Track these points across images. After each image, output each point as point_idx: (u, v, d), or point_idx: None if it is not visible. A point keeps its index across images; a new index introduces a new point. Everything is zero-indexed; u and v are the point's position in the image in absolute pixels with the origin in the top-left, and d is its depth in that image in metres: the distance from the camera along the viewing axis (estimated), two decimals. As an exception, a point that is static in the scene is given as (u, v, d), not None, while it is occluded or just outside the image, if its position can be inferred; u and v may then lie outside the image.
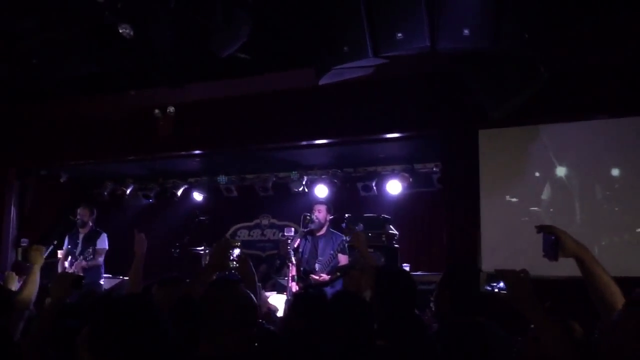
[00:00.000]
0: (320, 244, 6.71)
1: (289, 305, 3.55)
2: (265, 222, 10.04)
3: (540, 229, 2.37)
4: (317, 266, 6.60)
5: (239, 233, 10.07)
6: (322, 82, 5.09)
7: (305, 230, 6.82)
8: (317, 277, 6.44)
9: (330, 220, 6.85)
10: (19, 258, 8.27)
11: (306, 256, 6.72)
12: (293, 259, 6.43)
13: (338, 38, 4.65)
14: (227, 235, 9.91)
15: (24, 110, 8.16)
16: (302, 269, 6.68)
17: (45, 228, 9.26)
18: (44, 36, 5.91)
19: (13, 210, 8.75)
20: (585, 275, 2.30)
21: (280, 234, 9.40)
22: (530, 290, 2.22)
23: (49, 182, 9.52)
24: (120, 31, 5.62)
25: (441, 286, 3.06)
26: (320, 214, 6.77)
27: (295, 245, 6.72)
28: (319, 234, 6.77)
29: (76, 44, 5.83)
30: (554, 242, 2.29)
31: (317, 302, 3.22)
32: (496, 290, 2.28)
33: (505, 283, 2.26)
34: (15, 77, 6.55)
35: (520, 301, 2.21)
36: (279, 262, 7.94)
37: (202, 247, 8.00)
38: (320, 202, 7.04)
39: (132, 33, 5.66)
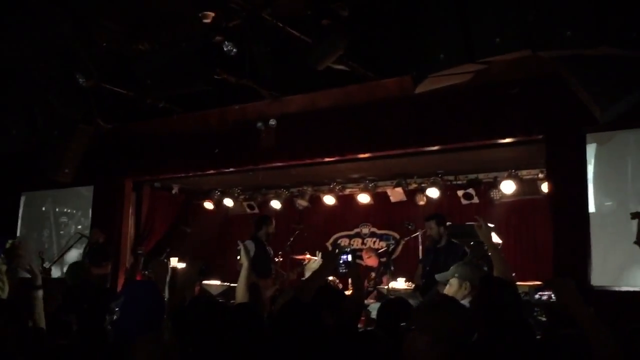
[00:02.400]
0: (442, 257, 6.62)
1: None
2: (365, 230, 10.07)
3: (635, 215, 2.35)
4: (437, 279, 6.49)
5: (339, 242, 10.18)
6: (418, 90, 5.08)
7: (405, 239, 6.78)
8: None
9: (446, 229, 6.74)
10: (140, 267, 8.80)
11: (428, 269, 6.68)
12: (392, 268, 6.41)
13: (434, 45, 4.63)
14: (328, 244, 10.04)
15: (138, 127, 8.73)
16: (423, 280, 6.64)
17: (159, 236, 9.84)
18: (155, 58, 6.33)
19: (130, 220, 9.37)
20: None
21: (376, 242, 9.41)
22: (577, 295, 2.29)
23: (162, 193, 10.12)
24: (225, 49, 5.92)
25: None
26: (432, 229, 6.72)
27: (396, 254, 6.69)
28: (439, 246, 6.69)
29: (184, 64, 6.18)
30: None
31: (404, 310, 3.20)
32: (544, 298, 2.31)
33: (553, 291, 2.32)
34: (131, 96, 7.05)
35: (569, 306, 2.26)
36: (373, 273, 7.93)
37: (304, 255, 8.17)
38: (427, 218, 6.94)
39: (235, 51, 5.95)
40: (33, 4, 5.68)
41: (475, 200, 8.53)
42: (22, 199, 10.39)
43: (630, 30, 4.16)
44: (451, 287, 4.11)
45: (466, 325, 2.44)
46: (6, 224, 10.12)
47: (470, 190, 8.52)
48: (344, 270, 3.45)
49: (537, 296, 5.72)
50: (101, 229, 8.68)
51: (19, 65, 7.10)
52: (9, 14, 5.89)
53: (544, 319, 5.17)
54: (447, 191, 8.80)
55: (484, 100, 6.69)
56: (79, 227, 9.69)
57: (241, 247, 4.20)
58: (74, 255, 9.13)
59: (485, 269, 6.76)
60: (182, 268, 3.15)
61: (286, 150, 8.03)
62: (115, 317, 2.36)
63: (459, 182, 8.77)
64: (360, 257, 8.63)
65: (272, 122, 7.89)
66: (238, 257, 4.22)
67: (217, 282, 8.84)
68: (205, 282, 8.90)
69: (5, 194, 10.21)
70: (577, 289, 2.33)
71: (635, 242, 2.23)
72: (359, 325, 3.65)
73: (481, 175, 8.62)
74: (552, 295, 2.26)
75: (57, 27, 5.99)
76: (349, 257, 3.48)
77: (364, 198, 9.38)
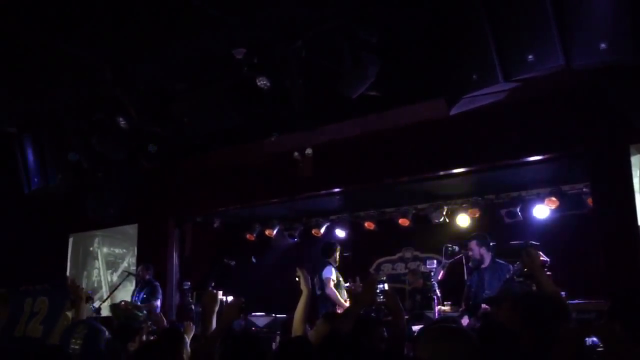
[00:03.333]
0: (486, 277, 6.52)
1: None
2: (408, 254, 9.97)
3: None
4: (483, 300, 6.40)
5: (382, 267, 10.09)
6: (453, 111, 5.08)
7: (449, 261, 6.69)
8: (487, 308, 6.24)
9: (491, 249, 6.64)
10: (186, 301, 8.87)
11: (473, 289, 6.58)
12: (437, 291, 6.32)
13: (466, 66, 4.63)
14: (371, 269, 9.97)
15: (178, 164, 8.93)
16: (470, 302, 6.55)
17: (203, 271, 9.95)
18: (193, 96, 6.50)
19: (175, 255, 9.52)
20: None
21: (420, 266, 9.31)
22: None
23: (204, 227, 10.26)
24: (258, 84, 6.04)
25: (610, 317, 2.85)
26: (473, 250, 6.63)
27: (440, 277, 6.60)
28: (483, 266, 6.59)
29: (220, 100, 6.32)
30: None
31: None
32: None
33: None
34: (170, 135, 7.23)
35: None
36: (418, 296, 7.83)
37: (348, 284, 8.12)
38: (470, 238, 6.86)
39: (268, 84, 6.06)
40: (74, 54, 5.91)
41: (519, 218, 8.37)
42: (70, 240, 10.67)
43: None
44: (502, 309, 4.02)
45: (470, 355, 2.33)
46: (56, 265, 10.39)
47: (513, 209, 8.37)
48: (382, 299, 3.41)
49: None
50: (147, 266, 8.87)
51: (62, 112, 7.39)
52: (52, 64, 6.15)
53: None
54: (489, 210, 8.67)
55: (521, 116, 6.62)
56: (126, 265, 9.89)
57: (300, 273, 4.12)
58: (123, 293, 9.32)
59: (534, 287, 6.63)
60: (226, 303, 3.17)
61: (324, 179, 8.08)
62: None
63: (501, 201, 8.63)
64: (405, 281, 8.54)
65: (309, 151, 7.96)
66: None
67: (262, 314, 8.85)
68: (250, 314, 8.92)
69: (54, 236, 10.51)
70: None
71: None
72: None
73: (523, 193, 8.47)
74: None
75: (97, 75, 6.21)
76: (386, 286, 3.44)
77: (404, 221, 9.32)
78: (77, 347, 3.27)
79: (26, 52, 5.96)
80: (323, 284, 7.71)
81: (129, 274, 9.12)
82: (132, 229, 9.83)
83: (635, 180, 5.94)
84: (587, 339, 2.21)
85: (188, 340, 4.26)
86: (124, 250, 9.97)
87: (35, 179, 7.58)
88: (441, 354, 2.30)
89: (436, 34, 5.05)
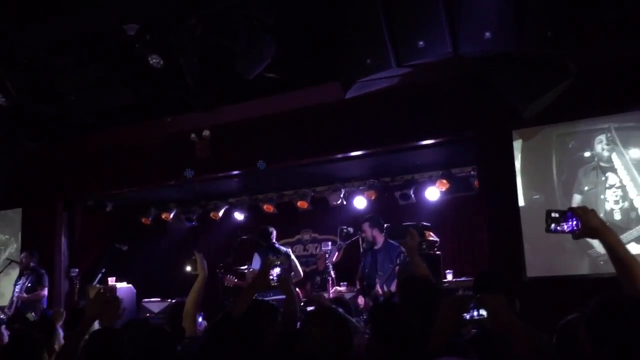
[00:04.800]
0: (379, 258, 6.68)
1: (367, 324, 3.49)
2: (306, 237, 10.08)
3: (570, 210, 2.38)
4: (377, 280, 6.57)
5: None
6: (348, 95, 5.15)
7: (344, 243, 6.82)
8: (379, 292, 6.41)
9: (386, 230, 6.81)
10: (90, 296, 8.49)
11: (367, 271, 6.73)
12: (332, 272, 6.44)
13: (360, 51, 4.70)
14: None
15: (66, 145, 8.45)
16: (364, 283, 6.70)
17: (94, 257, 9.54)
18: (80, 72, 6.14)
19: (63, 241, 9.05)
20: (609, 254, 2.32)
21: (318, 248, 9.45)
22: (508, 311, 2.19)
23: (95, 212, 9.82)
24: (151, 62, 5.82)
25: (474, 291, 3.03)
26: (365, 232, 6.78)
27: (334, 259, 6.73)
28: (376, 247, 6.74)
29: (110, 77, 6.03)
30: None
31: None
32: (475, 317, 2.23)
33: (484, 307, 2.23)
34: (56, 113, 6.82)
35: (501, 324, 2.16)
36: (318, 278, 7.96)
37: (246, 266, 8.09)
38: (363, 220, 7.01)
39: (162, 62, 5.85)
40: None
41: (412, 200, 8.68)
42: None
43: (546, 29, 4.35)
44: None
45: (342, 336, 2.46)
46: None
47: (407, 191, 8.66)
48: (276, 284, 3.43)
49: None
50: (31, 252, 8.37)
51: None
52: None
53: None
54: (385, 193, 8.92)
55: (413, 102, 6.83)
56: (9, 252, 9.29)
57: (197, 256, 4.10)
58: (5, 282, 8.76)
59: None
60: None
61: (222, 161, 7.97)
62: None
63: (396, 183, 8.91)
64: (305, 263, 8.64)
65: (206, 132, 7.82)
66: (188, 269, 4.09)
67: (158, 299, 8.64)
68: (145, 300, 8.69)
69: None
70: (508, 302, 2.22)
71: (571, 235, 2.27)
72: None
73: (416, 176, 8.78)
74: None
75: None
76: (279, 270, 3.46)
77: (303, 204, 9.39)
78: None
79: None
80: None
81: (11, 261, 8.58)
82: (15, 214, 9.23)
83: (517, 163, 6.32)
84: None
85: (59, 327, 4.12)
86: (6, 237, 9.35)
87: None
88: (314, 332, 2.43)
89: (332, 17, 5.07)
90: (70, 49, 5.97)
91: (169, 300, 8.44)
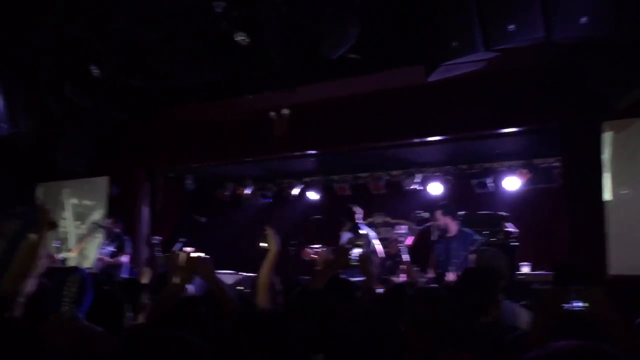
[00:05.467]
0: (453, 246, 6.58)
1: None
2: (379, 220, 10.04)
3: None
4: (450, 268, 6.48)
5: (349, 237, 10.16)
6: (431, 78, 5.06)
7: (418, 228, 6.76)
8: (452, 279, 6.33)
9: (456, 218, 6.69)
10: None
11: (441, 258, 6.65)
12: (403, 257, 6.39)
13: (447, 33, 4.60)
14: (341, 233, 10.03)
15: (152, 117, 8.77)
16: (437, 270, 6.63)
17: (173, 227, 9.90)
18: (169, 47, 6.35)
19: (145, 209, 9.44)
20: None
21: (390, 232, 9.38)
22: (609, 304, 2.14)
23: (176, 183, 10.18)
24: (236, 39, 5.93)
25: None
26: (439, 219, 6.68)
27: (408, 243, 6.67)
28: (449, 235, 6.65)
29: (197, 54, 6.20)
30: None
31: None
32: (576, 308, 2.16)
33: (583, 300, 2.15)
34: (145, 86, 7.09)
35: (601, 316, 2.13)
36: (389, 261, 7.91)
37: (318, 246, 8.17)
38: (436, 208, 6.90)
39: (247, 40, 5.96)
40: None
41: (489, 189, 8.48)
42: (38, 190, 10.49)
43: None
44: None
45: (448, 313, 2.44)
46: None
47: (484, 179, 8.47)
48: (356, 263, 3.44)
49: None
50: (116, 219, 8.78)
51: (33, 57, 7.16)
52: (25, 5, 5.93)
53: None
54: (461, 180, 8.76)
55: (498, 88, 6.63)
56: (96, 217, 9.78)
57: (269, 231, 4.12)
58: (91, 245, 9.24)
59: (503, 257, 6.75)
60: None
61: (299, 140, 8.04)
62: None
63: (474, 171, 8.72)
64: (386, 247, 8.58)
65: (285, 111, 7.90)
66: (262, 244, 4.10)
67: (231, 272, 8.87)
68: (218, 271, 8.93)
69: (21, 185, 10.32)
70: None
71: None
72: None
73: (495, 164, 8.55)
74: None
75: (71, 19, 6.02)
76: (360, 250, 3.48)
77: (377, 187, 9.36)
78: (71, 294, 3.20)
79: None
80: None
81: (98, 226, 9.04)
82: (102, 181, 9.69)
83: (605, 156, 6.04)
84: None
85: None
86: (94, 202, 9.85)
87: (3, 125, 7.38)
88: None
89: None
90: (160, 25, 6.16)
91: (242, 273, 8.66)
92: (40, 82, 7.37)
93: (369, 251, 7.47)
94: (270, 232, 4.17)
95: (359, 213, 7.74)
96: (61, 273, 3.28)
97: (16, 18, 6.27)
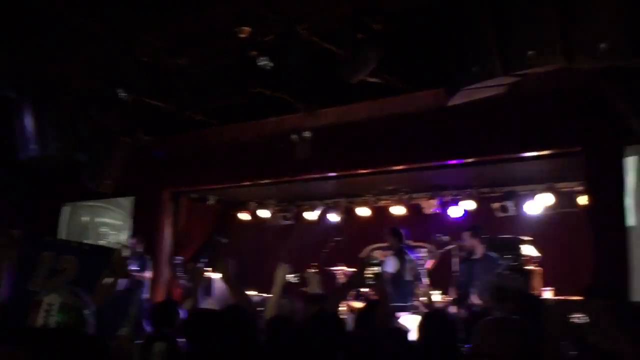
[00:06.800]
0: (476, 268, 6.57)
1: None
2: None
3: None
4: (471, 290, 6.45)
5: (373, 253, 10.15)
6: (451, 102, 5.09)
7: (438, 251, 6.75)
8: (474, 302, 6.28)
9: (482, 241, 6.66)
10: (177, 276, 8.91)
11: (463, 279, 6.64)
12: (424, 279, 6.38)
13: (467, 58, 4.63)
14: (362, 255, 10.03)
15: (176, 139, 8.93)
16: (459, 292, 6.62)
17: (196, 246, 10.00)
18: (194, 71, 6.50)
19: (169, 230, 9.56)
20: None
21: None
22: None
23: (199, 204, 10.30)
24: (260, 64, 6.05)
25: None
26: (465, 241, 6.69)
27: (428, 266, 6.66)
28: (474, 257, 6.63)
29: (221, 78, 6.34)
30: None
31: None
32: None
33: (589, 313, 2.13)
34: (169, 109, 7.24)
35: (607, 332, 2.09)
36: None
37: (338, 267, 8.19)
38: (465, 229, 6.90)
39: (270, 64, 6.07)
40: (77, 21, 5.90)
41: (511, 213, 8.43)
42: (63, 210, 10.69)
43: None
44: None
45: (532, 343, 2.30)
46: (48, 234, 10.40)
47: (506, 203, 8.42)
48: (372, 282, 3.49)
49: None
50: (140, 238, 8.91)
51: (62, 80, 7.38)
52: (54, 31, 6.13)
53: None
54: (483, 203, 8.72)
55: (520, 112, 6.64)
56: (120, 237, 9.93)
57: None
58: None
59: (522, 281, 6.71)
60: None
61: (321, 163, 8.10)
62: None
63: (495, 195, 8.68)
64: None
65: (307, 134, 7.98)
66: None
67: (254, 293, 8.91)
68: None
69: (47, 206, 10.53)
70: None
71: None
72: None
73: (518, 188, 8.51)
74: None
75: (99, 43, 6.20)
76: (377, 269, 3.52)
77: (398, 210, 9.37)
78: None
79: (31, 16, 5.94)
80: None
81: (122, 246, 9.17)
82: (127, 201, 9.86)
83: (629, 181, 5.99)
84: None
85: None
86: (118, 222, 10.00)
87: (32, 147, 7.57)
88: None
89: (440, 22, 5.05)
90: (186, 49, 6.32)
91: (262, 294, 8.70)
92: (69, 104, 7.57)
93: (416, 277, 7.22)
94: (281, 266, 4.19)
95: (403, 235, 7.60)
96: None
97: (48, 41, 6.48)
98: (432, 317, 3.34)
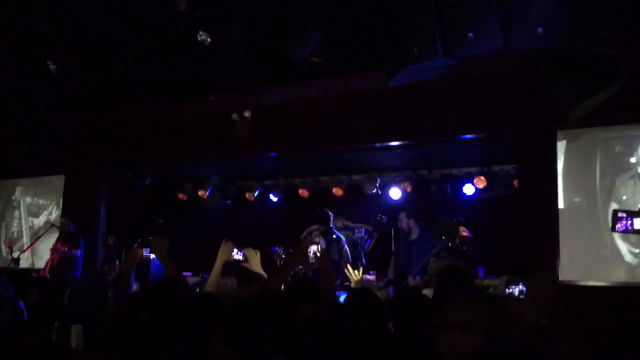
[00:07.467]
0: (414, 249, 6.67)
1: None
2: (338, 223, 10.05)
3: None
4: (410, 271, 6.55)
5: (313, 234, 10.16)
6: (392, 84, 5.11)
7: (377, 232, 6.82)
8: (412, 282, 6.40)
9: (418, 222, 6.78)
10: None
11: (400, 260, 6.73)
12: (364, 259, 6.45)
13: (408, 39, 4.65)
14: (302, 236, 10.03)
15: (111, 116, 8.62)
16: (397, 273, 6.71)
17: (131, 227, 9.73)
18: (129, 45, 6.25)
19: (102, 209, 9.26)
20: None
21: (350, 235, 9.44)
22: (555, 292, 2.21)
23: (134, 183, 10.01)
24: (199, 38, 5.88)
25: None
26: (402, 221, 6.77)
27: (367, 247, 6.73)
28: (411, 238, 6.73)
29: (158, 52, 6.13)
30: None
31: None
32: (515, 292, 2.23)
33: (531, 284, 2.22)
34: (104, 84, 6.96)
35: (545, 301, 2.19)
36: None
37: (277, 248, 8.16)
38: (400, 210, 6.99)
39: (209, 40, 5.91)
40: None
41: (448, 194, 8.60)
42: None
43: (600, 29, 4.23)
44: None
45: (503, 317, 2.26)
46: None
47: (443, 185, 8.59)
48: (313, 260, 3.49)
49: (507, 290, 5.79)
50: (71, 218, 8.59)
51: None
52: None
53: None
54: (420, 185, 8.86)
55: (456, 96, 6.76)
56: (50, 216, 9.56)
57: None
58: (45, 244, 9.01)
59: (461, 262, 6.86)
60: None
61: (261, 142, 8.02)
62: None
63: (432, 177, 8.83)
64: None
65: (247, 113, 7.87)
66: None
67: (190, 274, 8.77)
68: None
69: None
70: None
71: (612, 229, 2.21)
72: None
73: (454, 170, 8.68)
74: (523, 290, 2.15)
75: (29, 11, 5.88)
76: (317, 247, 3.52)
77: (337, 191, 9.40)
78: None
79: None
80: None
81: (52, 225, 8.83)
82: (57, 180, 9.48)
83: (559, 165, 6.20)
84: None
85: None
86: (48, 201, 9.62)
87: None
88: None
89: (382, 4, 5.04)
90: (121, 21, 6.07)
91: (200, 275, 8.57)
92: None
93: (343, 257, 7.38)
94: (225, 246, 4.14)
95: (332, 216, 7.71)
96: None
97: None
98: (356, 295, 3.36)
